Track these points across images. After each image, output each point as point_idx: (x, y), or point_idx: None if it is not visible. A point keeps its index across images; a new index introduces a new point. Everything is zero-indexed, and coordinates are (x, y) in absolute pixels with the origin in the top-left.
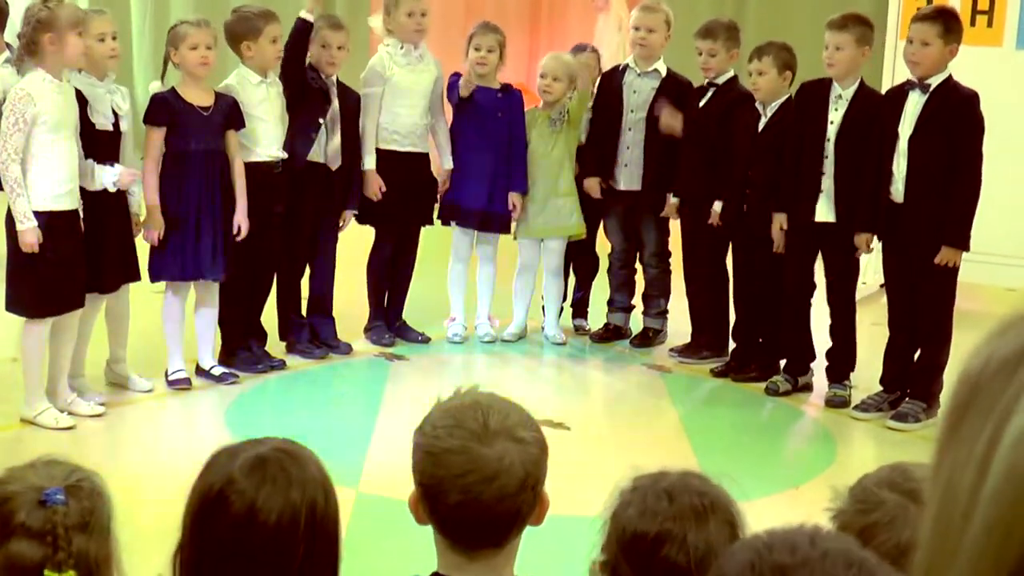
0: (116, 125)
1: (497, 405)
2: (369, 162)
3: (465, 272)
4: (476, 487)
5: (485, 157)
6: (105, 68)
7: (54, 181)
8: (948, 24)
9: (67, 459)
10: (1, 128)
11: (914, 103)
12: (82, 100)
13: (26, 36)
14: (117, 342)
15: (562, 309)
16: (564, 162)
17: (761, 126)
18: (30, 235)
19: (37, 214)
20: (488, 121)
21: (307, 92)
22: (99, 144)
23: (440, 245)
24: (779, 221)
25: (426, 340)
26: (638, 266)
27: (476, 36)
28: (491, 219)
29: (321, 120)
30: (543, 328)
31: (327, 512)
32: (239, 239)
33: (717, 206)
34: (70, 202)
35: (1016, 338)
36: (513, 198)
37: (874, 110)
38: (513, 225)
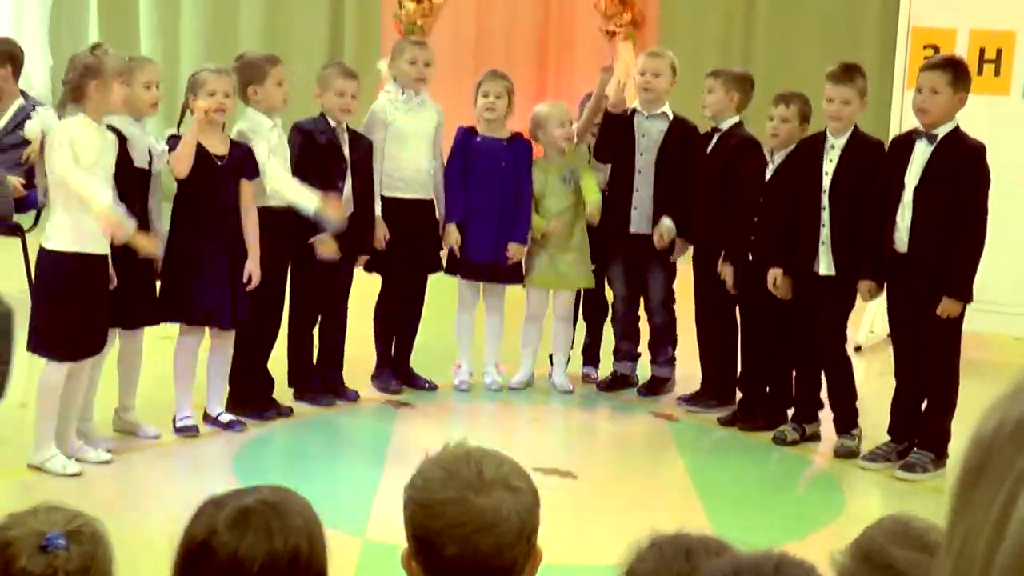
0: (150, 165)
1: (489, 456)
2: (375, 209)
3: (471, 320)
4: (474, 537)
5: (491, 207)
6: (145, 113)
7: (84, 223)
8: (958, 72)
9: (69, 505)
10: (49, 158)
11: (921, 153)
12: (120, 137)
13: (72, 82)
14: (127, 390)
15: (570, 357)
16: (575, 218)
17: (769, 173)
18: (109, 211)
19: (64, 255)
20: (494, 171)
21: (319, 151)
22: (134, 181)
23: (448, 291)
24: (774, 276)
25: (433, 387)
26: (642, 312)
27: (484, 83)
28: (498, 271)
29: (340, 183)
30: (550, 376)
31: (311, 559)
32: (249, 288)
33: (727, 270)
34: (99, 246)
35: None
36: (512, 248)
37: (869, 156)
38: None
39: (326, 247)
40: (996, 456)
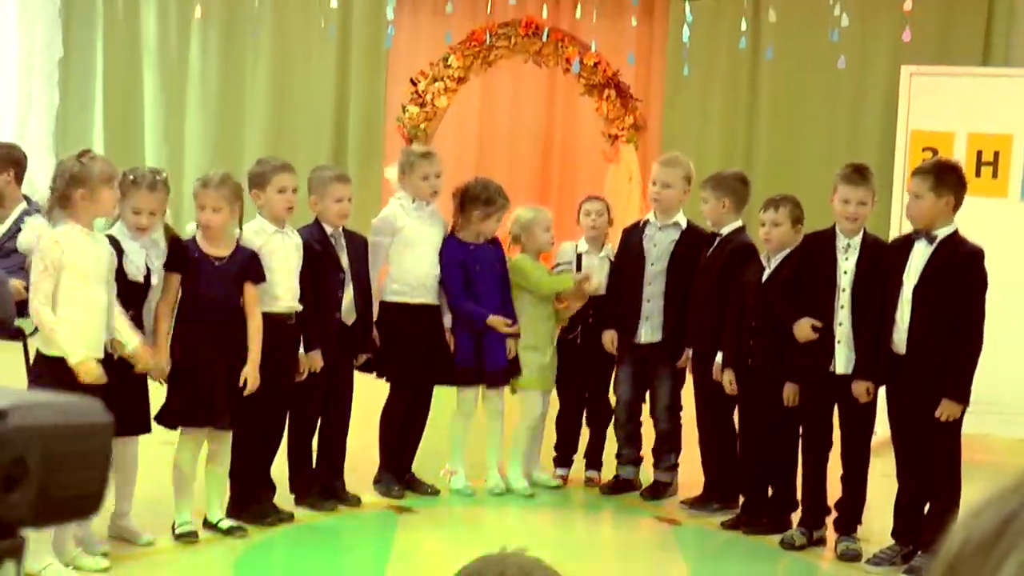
0: (147, 278)
1: (527, 565)
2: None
3: (468, 426)
4: None
5: (502, 313)
6: (133, 232)
7: (81, 330)
8: (940, 177)
9: None
10: (31, 275)
11: (920, 254)
12: (118, 249)
13: (59, 190)
14: (123, 496)
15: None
16: (552, 318)
17: (765, 276)
18: (88, 363)
19: (59, 360)
20: (491, 279)
21: (315, 262)
22: (128, 294)
23: (448, 396)
24: (790, 392)
25: (435, 492)
26: (644, 417)
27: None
28: (498, 373)
29: (339, 294)
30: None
31: None
32: (246, 393)
33: (727, 374)
34: (97, 352)
35: (993, 518)
36: (509, 343)
37: (882, 257)
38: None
39: (313, 362)
40: (962, 571)
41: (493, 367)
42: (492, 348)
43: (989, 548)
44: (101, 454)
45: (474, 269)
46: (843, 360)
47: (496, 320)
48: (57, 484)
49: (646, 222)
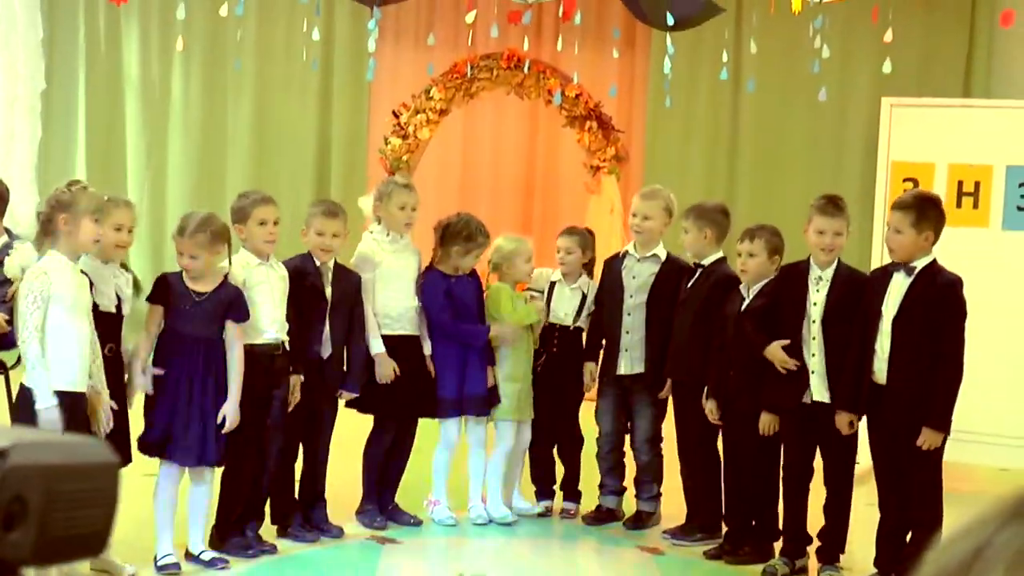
0: (119, 308)
1: None
2: (377, 346)
3: (451, 457)
4: None
5: (460, 347)
6: (111, 255)
7: (68, 363)
8: (921, 212)
9: None
10: (19, 307)
11: (899, 285)
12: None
13: (44, 215)
14: None
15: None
16: (528, 349)
17: (743, 307)
18: (52, 413)
19: None
20: (471, 309)
21: (299, 292)
22: (101, 325)
23: (432, 426)
24: (768, 422)
25: (418, 523)
26: (626, 448)
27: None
28: (479, 402)
29: (320, 326)
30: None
31: None
32: (225, 430)
33: (711, 404)
34: (80, 384)
35: (962, 550)
36: (489, 372)
37: (856, 287)
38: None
39: (294, 389)
40: None
41: (474, 395)
42: (473, 377)
43: None
44: (106, 493)
45: (458, 300)
46: (819, 389)
47: (503, 330)
48: (58, 523)
49: (625, 253)
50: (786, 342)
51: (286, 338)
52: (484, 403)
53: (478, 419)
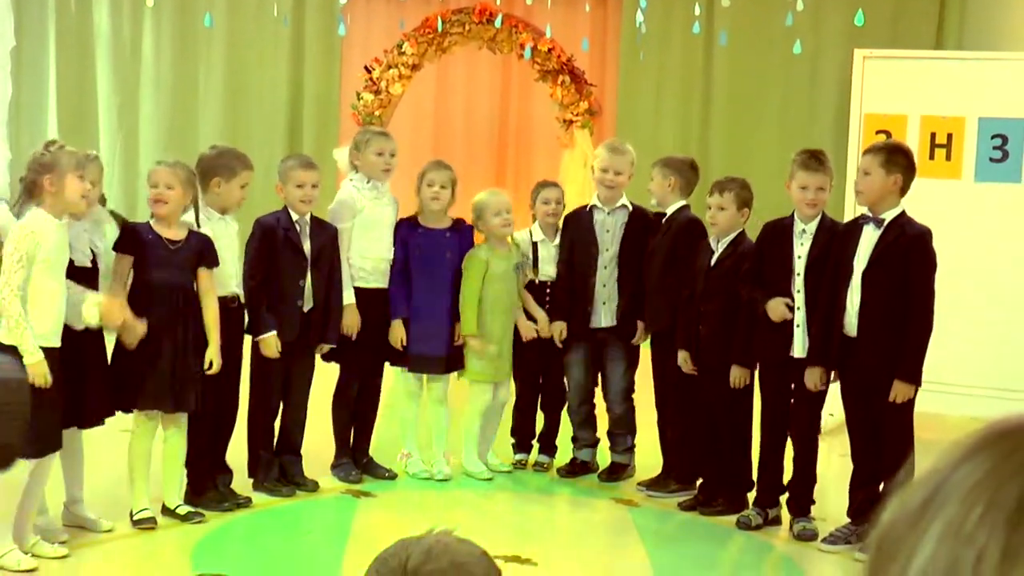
0: (94, 262)
1: (429, 544)
2: (348, 296)
3: (416, 408)
4: None
5: (439, 302)
6: (79, 209)
7: (43, 320)
8: (890, 155)
9: None
10: (3, 265)
11: (868, 237)
12: None
13: (28, 180)
14: (74, 483)
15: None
16: (514, 308)
17: (713, 261)
18: (42, 367)
19: (14, 350)
20: (439, 265)
21: (278, 249)
22: (77, 280)
23: (397, 379)
24: (740, 375)
25: (393, 476)
26: (598, 400)
27: (429, 172)
28: (450, 361)
29: (301, 283)
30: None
31: None
32: (210, 373)
33: (683, 355)
34: (55, 341)
35: (919, 494)
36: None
37: (836, 242)
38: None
39: (267, 346)
40: (888, 543)
41: (426, 354)
42: (428, 335)
43: (915, 521)
44: (18, 407)
45: (414, 252)
46: (800, 344)
47: (396, 328)
48: None
49: (592, 207)
50: (789, 301)
51: (240, 291)
52: (435, 362)
53: (436, 377)
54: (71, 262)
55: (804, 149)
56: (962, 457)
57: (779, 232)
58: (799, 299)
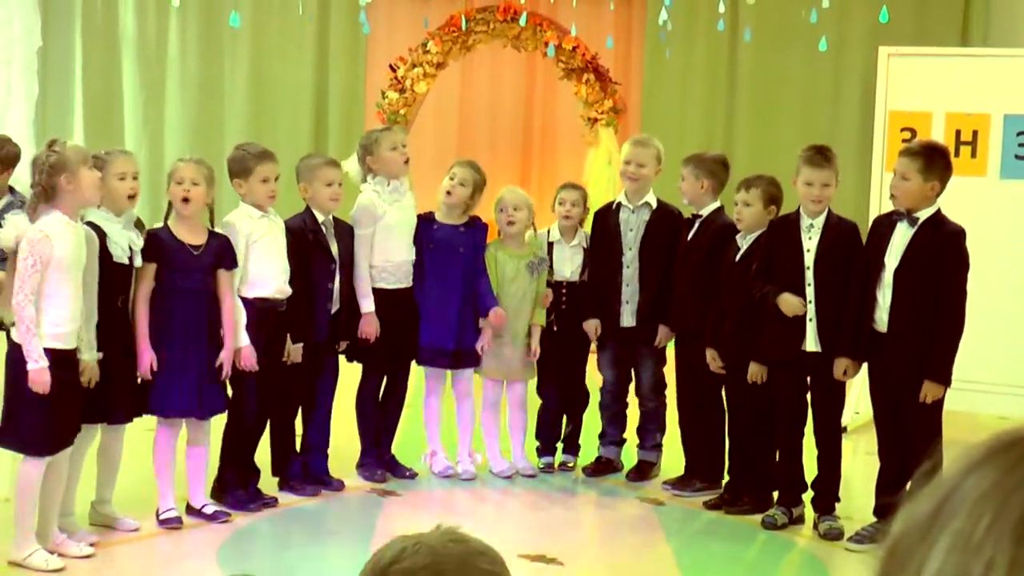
0: (131, 260)
1: (429, 542)
2: (368, 305)
3: (439, 405)
4: None
5: (450, 297)
6: (123, 206)
7: (58, 320)
8: (930, 160)
9: None
10: (18, 269)
11: (901, 235)
12: (100, 233)
13: (42, 183)
14: (106, 483)
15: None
16: (531, 307)
17: (738, 257)
18: (44, 374)
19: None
20: (451, 260)
21: (307, 252)
22: (114, 277)
23: (423, 378)
24: (757, 371)
25: (413, 475)
26: (629, 399)
27: (453, 166)
28: (462, 357)
29: (330, 285)
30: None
31: None
32: (222, 378)
33: (712, 353)
34: (71, 341)
35: (929, 502)
36: (484, 322)
37: (847, 236)
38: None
39: (295, 353)
40: (899, 554)
41: (435, 346)
42: (437, 329)
43: (925, 531)
44: None
45: (427, 247)
46: (812, 339)
47: (369, 321)
48: None
49: (619, 205)
50: (800, 299)
51: (289, 289)
52: (445, 358)
53: (459, 371)
54: (109, 256)
55: (810, 145)
56: (968, 468)
57: (787, 228)
58: (810, 292)
